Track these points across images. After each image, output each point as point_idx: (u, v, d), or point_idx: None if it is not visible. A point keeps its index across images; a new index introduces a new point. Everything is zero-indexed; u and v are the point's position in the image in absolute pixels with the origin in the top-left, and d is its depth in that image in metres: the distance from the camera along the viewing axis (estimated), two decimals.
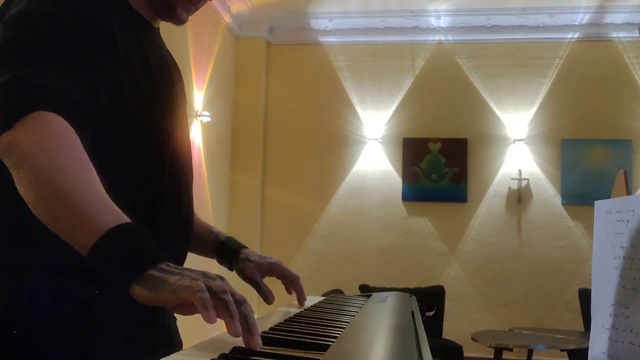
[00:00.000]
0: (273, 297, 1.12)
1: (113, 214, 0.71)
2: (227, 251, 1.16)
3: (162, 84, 1.01)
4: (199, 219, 1.21)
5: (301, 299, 1.15)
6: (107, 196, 0.73)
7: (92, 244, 0.69)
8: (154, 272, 0.67)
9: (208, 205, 5.11)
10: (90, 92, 0.82)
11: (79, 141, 0.76)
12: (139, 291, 0.67)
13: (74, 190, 0.71)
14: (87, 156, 0.76)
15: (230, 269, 1.17)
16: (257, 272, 1.12)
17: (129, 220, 0.71)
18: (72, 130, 0.76)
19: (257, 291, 1.12)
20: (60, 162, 0.72)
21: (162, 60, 1.06)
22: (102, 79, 0.85)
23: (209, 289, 0.65)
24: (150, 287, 0.66)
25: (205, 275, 0.68)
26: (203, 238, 1.19)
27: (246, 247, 1.18)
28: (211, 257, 1.19)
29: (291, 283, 1.15)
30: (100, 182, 0.74)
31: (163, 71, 1.04)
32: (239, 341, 0.65)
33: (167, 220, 0.96)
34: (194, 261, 1.10)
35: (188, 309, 0.67)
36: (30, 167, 0.72)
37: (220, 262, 1.18)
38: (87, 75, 0.83)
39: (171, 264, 0.70)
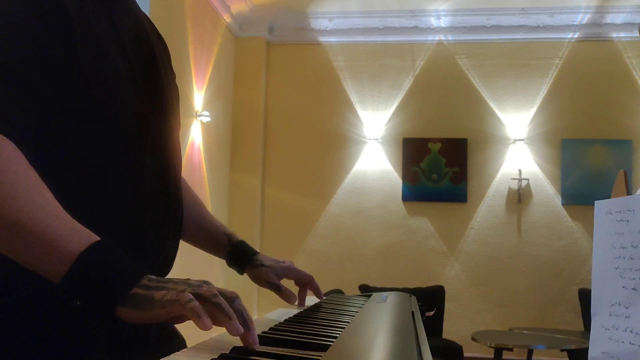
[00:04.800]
0: (295, 296, 1.13)
1: (80, 236, 0.66)
2: (240, 257, 1.16)
3: (138, 59, 0.90)
4: (211, 216, 1.21)
5: (319, 296, 1.18)
6: (68, 216, 0.68)
7: (64, 272, 0.64)
8: (138, 290, 0.64)
9: (208, 205, 5.11)
10: (31, 92, 0.74)
11: (21, 158, 0.68)
12: (125, 312, 0.64)
13: (29, 220, 0.65)
14: (34, 174, 0.68)
15: (240, 272, 1.18)
16: (273, 275, 1.13)
17: (98, 239, 0.67)
18: (10, 147, 0.67)
19: (278, 293, 1.12)
20: (5, 191, 0.65)
21: (139, 31, 0.94)
22: (50, 69, 0.76)
23: (199, 296, 0.63)
24: (137, 307, 0.63)
25: (189, 284, 0.66)
26: (214, 239, 1.18)
27: (258, 253, 1.18)
28: (221, 258, 1.19)
29: (308, 283, 1.17)
30: (55, 200, 0.68)
31: (140, 45, 0.93)
32: (239, 341, 0.65)
33: (154, 213, 0.89)
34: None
35: (180, 319, 0.65)
36: None
37: (230, 265, 1.18)
38: (26, 72, 0.73)
39: (152, 277, 0.67)
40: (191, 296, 0.62)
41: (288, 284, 1.18)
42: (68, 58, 0.78)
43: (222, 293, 0.66)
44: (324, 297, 1.23)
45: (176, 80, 1.08)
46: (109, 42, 0.85)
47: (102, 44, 0.84)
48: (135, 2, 0.98)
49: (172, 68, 1.06)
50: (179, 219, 0.98)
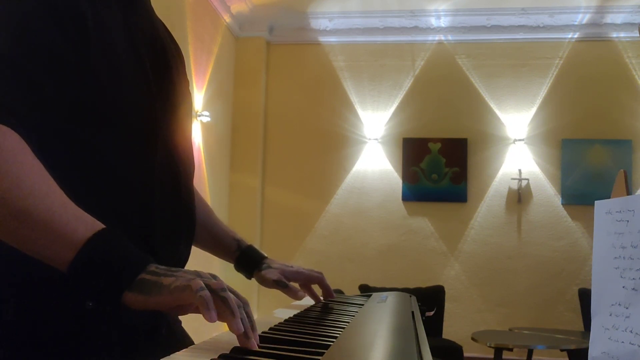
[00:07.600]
0: (303, 293, 1.13)
1: (86, 223, 0.67)
2: (249, 262, 1.17)
3: (152, 64, 0.90)
4: (219, 221, 1.21)
5: (330, 296, 1.20)
6: (73, 204, 0.69)
7: (71, 259, 0.65)
8: (146, 276, 0.65)
9: None
10: (39, 92, 0.74)
11: (26, 148, 0.69)
12: (132, 298, 0.64)
13: (36, 208, 0.65)
14: (39, 163, 0.69)
15: (249, 277, 1.18)
16: (280, 275, 1.13)
17: (104, 226, 0.68)
18: (15, 138, 0.68)
19: (284, 289, 1.12)
20: (11, 180, 0.65)
21: (154, 36, 0.95)
22: (60, 70, 0.76)
23: (208, 287, 0.63)
24: (145, 292, 0.64)
25: (199, 275, 0.67)
26: (223, 244, 1.18)
27: (267, 257, 1.18)
28: (230, 262, 1.20)
29: (319, 284, 1.19)
30: (60, 189, 0.69)
31: (155, 49, 0.93)
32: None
33: (164, 214, 0.89)
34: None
35: (185, 309, 0.65)
36: None
37: (238, 269, 1.18)
38: (35, 72, 0.73)
39: (160, 266, 0.67)
40: (203, 285, 0.63)
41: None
42: (80, 59, 0.78)
43: (233, 293, 0.66)
44: (322, 299, 1.22)
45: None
46: (122, 44, 0.85)
47: (116, 46, 0.84)
48: (151, 6, 0.98)
49: (185, 75, 1.05)
50: (191, 223, 0.98)
